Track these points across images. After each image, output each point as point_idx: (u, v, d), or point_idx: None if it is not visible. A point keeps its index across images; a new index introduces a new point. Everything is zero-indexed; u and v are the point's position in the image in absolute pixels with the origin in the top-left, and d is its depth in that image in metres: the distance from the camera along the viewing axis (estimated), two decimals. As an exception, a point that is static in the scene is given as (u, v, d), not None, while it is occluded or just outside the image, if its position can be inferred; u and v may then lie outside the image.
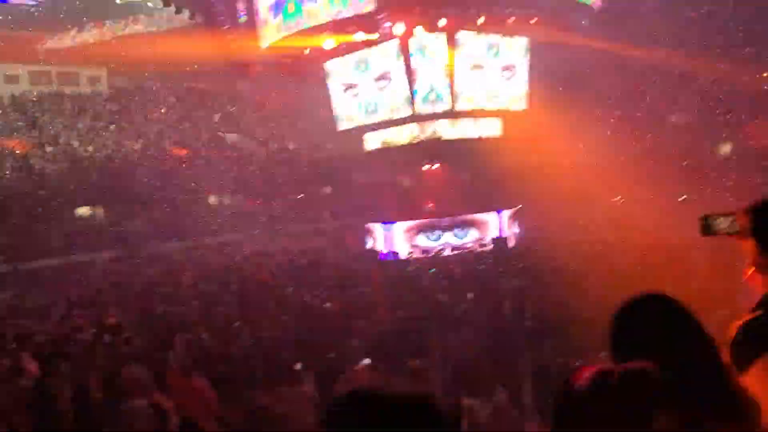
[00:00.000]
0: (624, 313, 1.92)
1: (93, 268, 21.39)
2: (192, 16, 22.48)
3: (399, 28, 17.43)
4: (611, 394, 1.46)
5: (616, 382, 1.48)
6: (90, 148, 32.76)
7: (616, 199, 27.55)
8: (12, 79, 37.06)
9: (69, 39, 38.95)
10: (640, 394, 1.47)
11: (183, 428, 5.83)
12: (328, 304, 11.11)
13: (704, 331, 1.87)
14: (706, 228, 2.30)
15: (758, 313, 2.04)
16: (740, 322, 2.04)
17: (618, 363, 1.83)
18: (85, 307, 13.08)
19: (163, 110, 39.81)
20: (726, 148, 28.61)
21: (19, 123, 33.76)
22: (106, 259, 23.14)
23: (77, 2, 33.01)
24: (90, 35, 39.11)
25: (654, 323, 1.85)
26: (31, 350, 9.26)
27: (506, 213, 21.92)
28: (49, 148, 31.83)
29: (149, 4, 35.10)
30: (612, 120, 33.94)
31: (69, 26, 38.26)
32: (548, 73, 28.99)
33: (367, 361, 6.84)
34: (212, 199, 30.50)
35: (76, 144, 32.91)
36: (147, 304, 12.52)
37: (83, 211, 27.99)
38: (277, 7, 18.28)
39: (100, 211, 28.32)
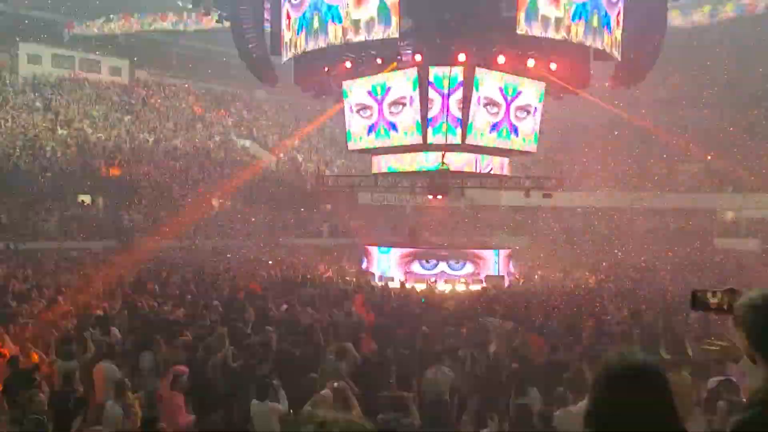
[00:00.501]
0: (607, 380, 1.91)
1: (86, 257, 21.35)
2: (220, 20, 22.69)
3: (419, 58, 17.55)
4: None
5: None
6: (101, 136, 32.92)
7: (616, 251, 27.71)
8: (35, 60, 37.36)
9: (95, 27, 39.29)
10: None
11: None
12: (313, 322, 11.07)
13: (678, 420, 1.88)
14: (697, 302, 2.40)
15: (751, 412, 2.01)
16: (737, 420, 2.01)
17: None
18: (73, 294, 13.05)
19: (179, 107, 40.05)
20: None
21: (36, 103, 33.98)
22: (101, 248, 23.13)
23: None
24: (117, 26, 39.45)
25: (633, 401, 1.84)
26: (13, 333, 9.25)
27: (503, 252, 21.92)
28: (60, 131, 31.99)
29: (179, 2, 35.42)
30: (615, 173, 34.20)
31: (97, 15, 38.60)
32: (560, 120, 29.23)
33: (336, 384, 6.81)
34: (215, 202, 30.54)
35: (88, 131, 33.08)
36: (134, 300, 12.47)
37: (85, 198, 28.04)
38: (302, 23, 18.44)
39: (100, 201, 28.39)
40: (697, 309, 2.43)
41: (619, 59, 19.14)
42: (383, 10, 16.64)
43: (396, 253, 21.32)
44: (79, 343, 8.54)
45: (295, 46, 18.85)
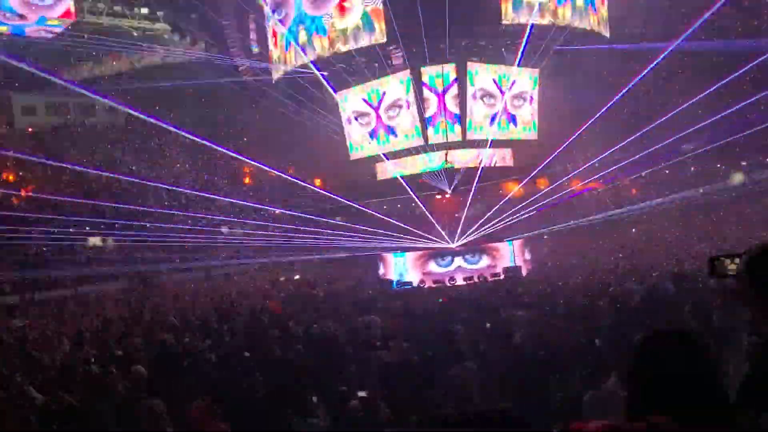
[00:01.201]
0: (644, 349, 1.88)
1: (103, 298, 21.39)
2: (207, 48, 22.80)
3: (409, 60, 17.55)
4: None
5: None
6: (105, 178, 33.01)
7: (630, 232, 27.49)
8: (29, 111, 37.55)
9: (86, 70, 39.49)
10: None
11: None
12: (338, 333, 11.02)
13: (720, 378, 1.83)
14: (715, 270, 2.30)
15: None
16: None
17: (631, 401, 1.82)
18: (94, 337, 13.03)
19: (179, 140, 40.14)
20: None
21: (36, 153, 34.13)
22: (118, 288, 23.19)
23: (94, 35, 33.45)
24: (107, 67, 39.64)
25: (673, 364, 1.80)
26: (39, 382, 9.22)
27: (517, 242, 21.80)
28: (64, 178, 32.12)
29: (165, 36, 35.57)
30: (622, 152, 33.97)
31: (85, 58, 38.79)
32: (558, 103, 29.10)
33: (362, 393, 6.78)
34: (224, 229, 30.56)
35: (91, 174, 33.18)
36: (156, 335, 12.44)
37: (95, 241, 28.10)
38: (288, 38, 18.48)
39: (110, 241, 28.43)
40: (715, 276, 2.32)
41: (608, 36, 19.09)
42: (366, 17, 16.66)
43: (410, 255, 21.23)
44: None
45: (286, 63, 18.90)
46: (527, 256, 21.82)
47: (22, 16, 24.19)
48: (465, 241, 21.15)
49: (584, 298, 12.54)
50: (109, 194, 31.24)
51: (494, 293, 15.23)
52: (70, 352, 11.54)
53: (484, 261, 20.92)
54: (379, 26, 16.62)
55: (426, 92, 18.04)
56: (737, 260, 2.20)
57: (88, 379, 8.93)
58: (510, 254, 21.17)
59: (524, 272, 20.17)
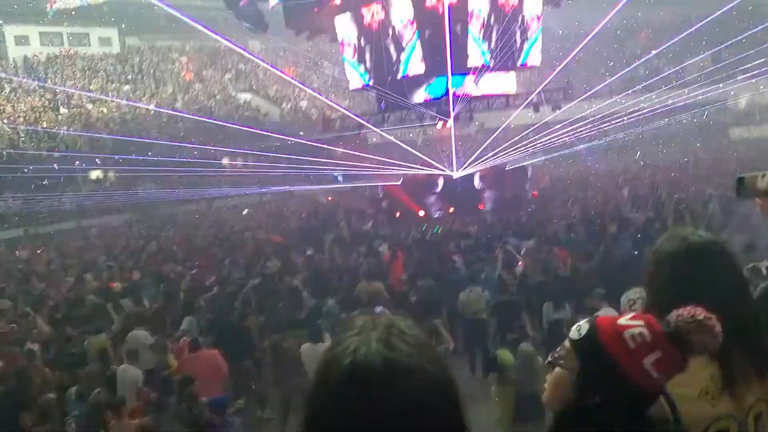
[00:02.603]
0: (667, 253, 1.79)
1: (106, 231, 21.50)
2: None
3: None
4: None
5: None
6: (104, 110, 32.68)
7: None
8: (22, 41, 36.83)
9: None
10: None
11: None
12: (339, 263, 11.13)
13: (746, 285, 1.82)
14: (745, 189, 2.07)
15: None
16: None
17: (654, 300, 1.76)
18: (99, 270, 13.14)
19: (175, 69, 39.55)
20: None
21: (31, 85, 33.67)
22: (119, 222, 23.26)
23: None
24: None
25: (700, 268, 1.72)
26: (45, 314, 9.35)
27: (521, 170, 21.61)
28: (62, 110, 31.77)
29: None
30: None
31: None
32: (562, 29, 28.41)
33: (380, 308, 6.89)
34: (225, 160, 30.41)
35: (89, 106, 32.83)
36: (159, 266, 12.56)
37: (96, 174, 28.03)
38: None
39: (111, 174, 28.35)
40: (744, 196, 2.08)
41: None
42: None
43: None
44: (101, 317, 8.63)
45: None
46: (530, 185, 21.72)
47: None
48: (467, 171, 20.96)
49: (586, 225, 12.60)
50: (106, 126, 30.97)
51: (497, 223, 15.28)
52: (75, 284, 11.66)
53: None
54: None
55: (428, 18, 17.55)
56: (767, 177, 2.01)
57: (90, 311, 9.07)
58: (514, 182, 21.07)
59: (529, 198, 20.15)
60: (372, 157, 23.64)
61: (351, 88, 21.02)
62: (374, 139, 26.02)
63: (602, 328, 1.36)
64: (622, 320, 1.36)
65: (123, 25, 40.12)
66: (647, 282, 1.84)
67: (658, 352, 1.30)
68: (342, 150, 31.89)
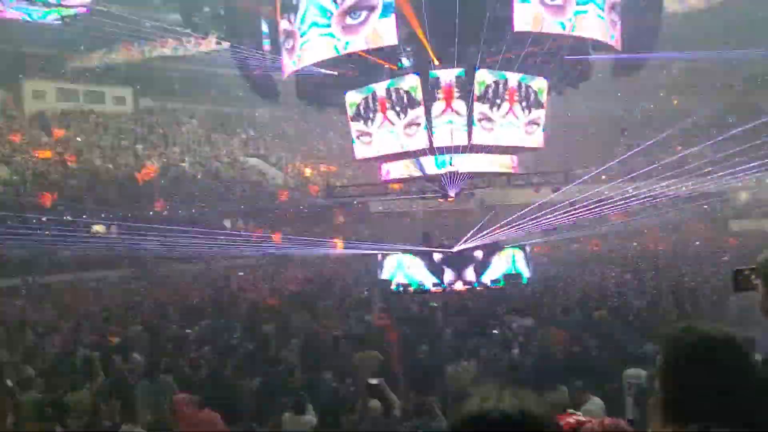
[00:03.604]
0: (680, 355, 1.73)
1: (104, 286, 21.48)
2: (219, 42, 22.88)
3: (419, 62, 17.61)
4: None
5: None
6: (110, 166, 33.15)
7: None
8: (39, 95, 37.75)
9: (97, 59, 39.66)
10: None
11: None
12: (336, 332, 11.09)
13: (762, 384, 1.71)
14: (740, 283, 2.15)
15: None
16: None
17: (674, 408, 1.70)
18: (94, 324, 13.11)
19: (185, 131, 40.32)
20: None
21: (44, 138, 34.29)
22: (118, 277, 23.25)
23: (107, 23, 33.57)
24: (118, 56, 39.83)
25: (713, 370, 1.65)
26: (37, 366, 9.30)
27: (519, 249, 21.80)
28: (70, 164, 32.23)
29: (178, 28, 35.66)
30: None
31: (98, 46, 38.96)
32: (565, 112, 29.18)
33: (374, 381, 6.84)
34: (227, 222, 30.64)
35: (98, 161, 33.33)
36: (155, 324, 12.53)
37: (98, 228, 28.18)
38: (295, 38, 18.56)
39: (114, 229, 28.48)
40: (741, 290, 2.15)
41: (619, 49, 19.08)
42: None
43: (411, 258, 21.25)
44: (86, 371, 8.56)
45: (295, 62, 18.96)
46: (528, 264, 21.81)
47: (45, 4, 24.28)
48: (465, 246, 21.14)
49: (583, 308, 12.61)
50: (113, 181, 31.35)
51: (494, 300, 15.28)
52: (68, 336, 11.62)
53: (486, 268, 20.90)
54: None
55: (434, 95, 18.07)
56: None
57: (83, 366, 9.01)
58: (511, 261, 21.17)
59: (525, 280, 20.19)
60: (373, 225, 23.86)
61: (356, 157, 21.42)
62: (380, 208, 26.36)
63: None
64: None
65: (138, 86, 41.21)
66: (661, 375, 1.76)
67: None
68: (343, 217, 32.25)
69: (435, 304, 14.18)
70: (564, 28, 17.15)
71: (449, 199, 20.71)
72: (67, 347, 10.49)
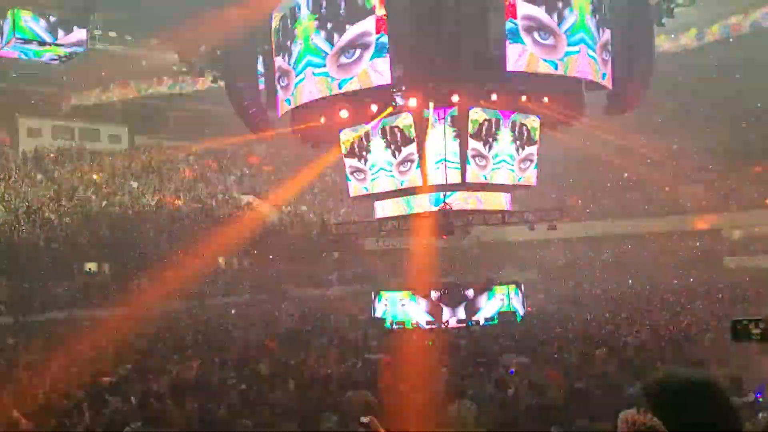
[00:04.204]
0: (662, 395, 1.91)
1: (95, 323, 21.25)
2: (214, 80, 23.07)
3: (413, 102, 17.78)
4: None
5: None
6: (104, 204, 33.13)
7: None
8: (34, 133, 37.90)
9: (93, 96, 39.94)
10: None
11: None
12: (330, 372, 10.97)
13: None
14: (739, 333, 2.24)
15: None
16: None
17: None
18: (84, 363, 12.94)
19: (180, 169, 40.40)
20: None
21: (38, 176, 34.31)
22: (110, 315, 23.03)
23: (103, 61, 33.90)
24: (114, 94, 40.12)
25: (694, 414, 1.82)
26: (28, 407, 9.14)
27: (513, 287, 21.77)
28: (64, 202, 32.20)
29: (174, 67, 35.98)
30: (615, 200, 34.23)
31: (94, 84, 39.27)
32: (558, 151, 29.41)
33: (365, 419, 6.74)
34: (221, 260, 30.53)
35: (92, 198, 33.30)
36: (146, 364, 12.39)
37: (91, 266, 28.07)
38: (290, 77, 18.77)
39: (107, 267, 28.37)
40: (739, 340, 2.25)
41: (611, 88, 19.33)
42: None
43: (405, 296, 21.18)
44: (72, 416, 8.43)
45: (290, 101, 19.14)
46: (522, 302, 21.76)
47: (41, 43, 24.54)
48: (459, 283, 21.12)
49: (579, 347, 12.54)
50: (107, 219, 31.31)
51: (489, 338, 15.19)
52: (60, 376, 11.45)
53: (480, 305, 20.84)
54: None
55: (427, 134, 18.22)
56: (761, 324, 2.19)
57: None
58: (506, 298, 21.13)
59: (519, 317, 20.13)
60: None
61: (351, 195, 21.49)
62: (374, 245, 26.31)
63: None
64: None
65: (134, 124, 41.43)
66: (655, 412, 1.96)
67: None
68: (338, 254, 32.19)
69: (430, 343, 14.12)
70: (556, 67, 17.40)
71: (443, 237, 20.73)
72: (58, 387, 10.32)
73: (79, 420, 8.04)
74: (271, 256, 30.09)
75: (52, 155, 36.60)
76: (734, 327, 2.23)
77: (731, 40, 34.32)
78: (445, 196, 18.88)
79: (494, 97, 17.88)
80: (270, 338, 15.90)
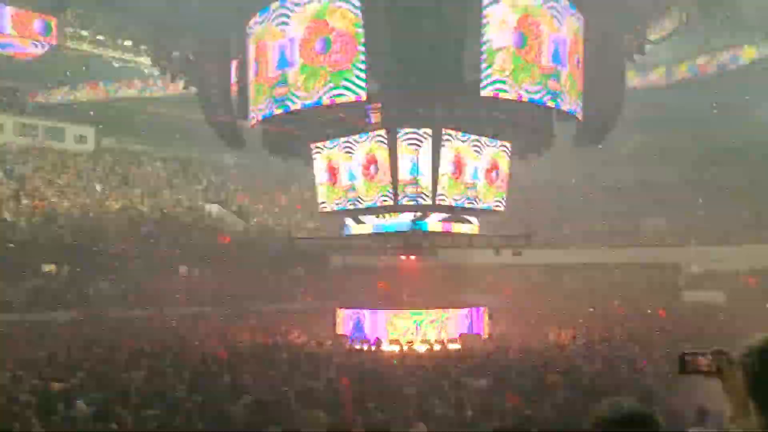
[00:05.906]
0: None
1: (50, 328, 20.68)
2: (186, 86, 22.86)
3: (387, 120, 17.83)
4: None
5: None
6: (66, 204, 32.44)
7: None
8: (-3, 128, 37.02)
9: (60, 95, 39.23)
10: None
11: None
12: (286, 390, 10.80)
13: None
14: (687, 366, 2.29)
15: None
16: None
17: None
18: (37, 368, 12.56)
19: (145, 174, 39.82)
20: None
21: (-1, 173, 33.49)
22: (67, 319, 22.46)
23: (73, 60, 33.31)
24: (82, 94, 39.48)
25: None
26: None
27: (477, 310, 21.82)
28: (25, 201, 31.44)
29: (145, 70, 35.54)
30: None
31: (62, 83, 38.60)
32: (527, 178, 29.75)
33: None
34: (183, 269, 30.02)
35: (53, 200, 32.59)
36: (98, 370, 12.08)
37: (50, 267, 27.38)
38: (267, 87, 18.69)
39: (65, 270, 27.69)
40: (687, 373, 2.28)
41: (581, 119, 19.65)
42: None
43: (370, 314, 21.07)
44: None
45: (263, 109, 19.04)
46: (485, 325, 21.82)
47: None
48: (426, 303, 21.09)
49: (538, 371, 12.58)
50: (69, 221, 30.65)
51: (449, 360, 15.16)
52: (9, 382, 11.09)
53: (444, 326, 20.82)
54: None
55: (399, 154, 18.25)
56: (709, 356, 2.22)
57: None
58: (468, 321, 21.16)
59: (482, 340, 20.15)
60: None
61: (320, 210, 21.38)
62: (340, 262, 26.23)
63: None
64: None
65: (101, 126, 40.70)
66: None
67: None
68: (303, 270, 31.92)
69: (395, 362, 14.06)
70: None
71: (411, 258, 20.75)
72: (7, 393, 9.97)
73: (27, 426, 7.75)
74: (232, 269, 29.66)
75: (12, 153, 35.70)
76: (682, 360, 2.30)
77: (698, 78, 35.29)
78: (415, 216, 18.91)
79: (467, 121, 18.04)
80: (226, 351, 15.66)
